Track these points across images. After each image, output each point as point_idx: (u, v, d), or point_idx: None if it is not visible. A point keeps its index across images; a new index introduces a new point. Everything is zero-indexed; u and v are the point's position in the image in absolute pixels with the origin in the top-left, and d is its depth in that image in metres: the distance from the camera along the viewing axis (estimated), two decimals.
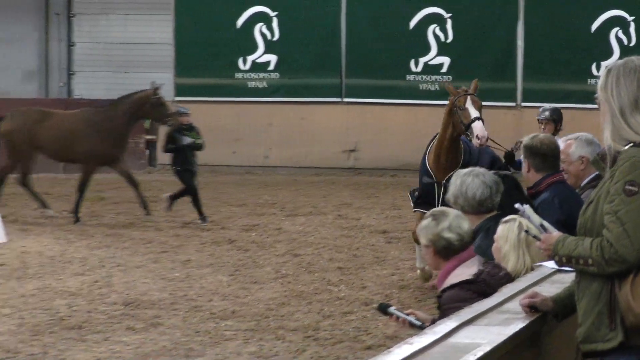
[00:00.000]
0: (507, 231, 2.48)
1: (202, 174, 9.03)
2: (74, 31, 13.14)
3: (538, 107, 9.96)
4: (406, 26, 11.16)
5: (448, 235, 2.33)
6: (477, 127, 4.98)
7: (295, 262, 6.65)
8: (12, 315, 5.08)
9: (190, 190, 7.88)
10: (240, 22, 11.83)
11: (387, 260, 6.71)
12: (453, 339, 1.45)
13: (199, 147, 8.00)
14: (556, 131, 5.19)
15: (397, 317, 2.32)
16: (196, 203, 7.86)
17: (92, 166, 8.34)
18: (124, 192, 9.90)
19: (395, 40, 11.24)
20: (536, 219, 1.95)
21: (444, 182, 4.87)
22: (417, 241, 4.97)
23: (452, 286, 2.30)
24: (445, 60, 10.99)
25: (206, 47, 11.93)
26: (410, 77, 11.15)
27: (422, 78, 11.10)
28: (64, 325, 4.87)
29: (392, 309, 2.42)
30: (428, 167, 5.20)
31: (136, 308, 5.29)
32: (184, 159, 7.89)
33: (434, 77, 11.04)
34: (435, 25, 11.04)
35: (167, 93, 11.76)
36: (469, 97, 5.18)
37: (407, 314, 2.35)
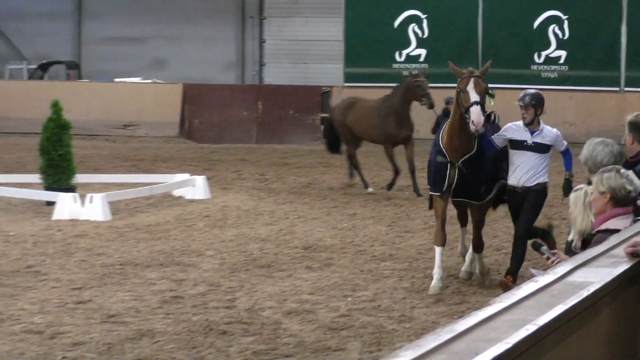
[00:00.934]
0: (576, 198, 2.84)
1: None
2: (265, 31, 16.50)
3: (638, 92, 12.87)
4: (531, 25, 14.04)
5: (629, 187, 2.56)
6: (473, 112, 4.56)
7: None
8: (215, 256, 5.76)
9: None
10: (396, 22, 14.98)
11: None
12: (570, 278, 1.62)
13: None
14: (536, 116, 4.84)
15: (547, 257, 2.71)
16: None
17: (389, 146, 8.93)
18: (305, 159, 11.73)
19: (522, 36, 14.19)
20: (637, 181, 2.39)
21: (457, 164, 4.72)
22: (461, 222, 5.22)
23: (606, 230, 2.49)
24: (563, 53, 13.89)
25: (369, 43, 15.04)
26: (534, 67, 14.17)
27: (543, 68, 14.08)
28: (256, 264, 5.52)
29: (543, 249, 2.83)
30: (442, 147, 4.89)
31: (313, 251, 5.94)
32: None
33: (553, 67, 14.00)
34: (554, 24, 13.90)
35: (337, 80, 14.86)
36: (472, 79, 4.73)
37: (553, 254, 2.76)
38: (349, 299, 4.76)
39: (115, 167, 11.01)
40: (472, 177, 4.76)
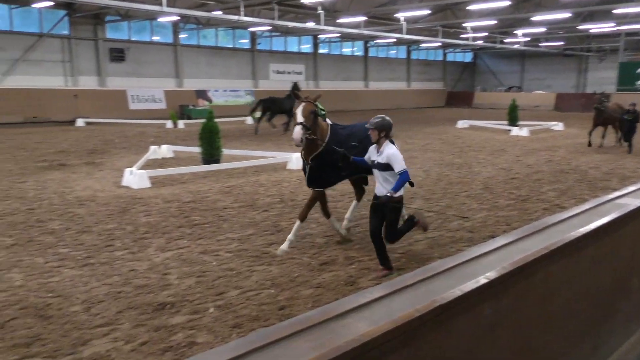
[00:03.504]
0: None
1: None
2: None
3: None
4: None
5: None
6: (295, 131, 5.59)
7: None
8: None
9: None
10: None
11: None
12: None
13: None
14: (379, 137, 5.27)
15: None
16: None
17: None
18: None
19: None
20: None
21: (309, 162, 5.98)
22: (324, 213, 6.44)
23: None
24: None
25: None
26: None
27: None
28: None
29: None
30: (300, 154, 6.18)
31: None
32: None
33: None
34: None
35: None
36: (301, 104, 5.76)
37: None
38: None
39: None
40: (321, 170, 6.00)
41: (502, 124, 23.01)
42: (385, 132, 5.30)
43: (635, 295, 3.49)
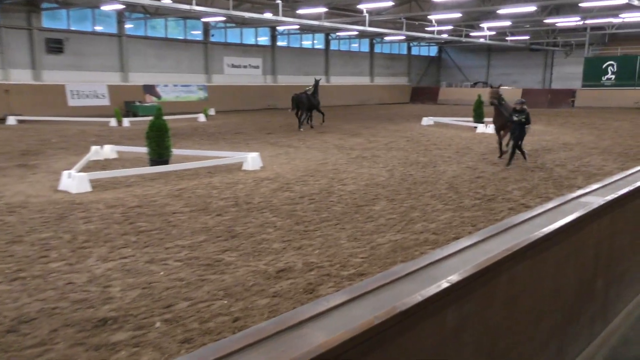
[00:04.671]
0: None
1: None
2: None
3: None
4: None
5: None
6: None
7: None
8: None
9: None
10: None
11: None
12: None
13: None
14: None
15: None
16: None
17: None
18: None
19: None
20: None
21: None
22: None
23: None
24: None
25: None
26: None
27: None
28: None
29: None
30: None
31: None
32: None
33: None
34: None
35: None
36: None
37: None
38: None
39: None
40: None
41: (468, 121, 23.58)
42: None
43: (599, 296, 3.63)
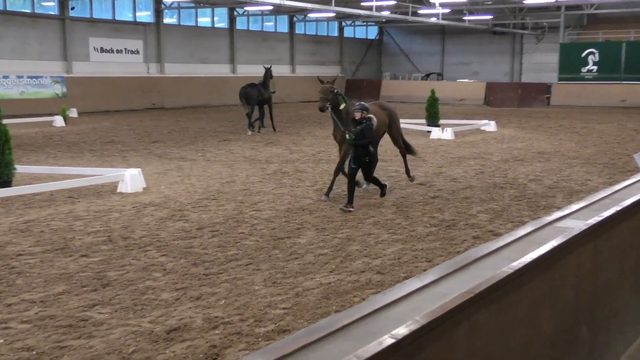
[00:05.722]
0: None
1: None
2: None
3: None
4: None
5: None
6: None
7: None
8: None
9: None
10: None
11: None
12: None
13: None
14: None
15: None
16: None
17: None
18: None
19: None
20: None
21: None
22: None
23: None
24: None
25: None
26: None
27: None
28: None
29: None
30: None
31: None
32: None
33: None
34: None
35: None
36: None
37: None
38: None
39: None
40: None
41: (419, 124, 24.32)
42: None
43: (583, 347, 3.83)
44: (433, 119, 23.75)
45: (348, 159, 11.49)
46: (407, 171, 13.66)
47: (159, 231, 9.53)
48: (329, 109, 11.71)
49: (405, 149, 13.80)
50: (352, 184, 11.15)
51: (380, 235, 9.31)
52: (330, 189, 11.89)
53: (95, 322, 6.07)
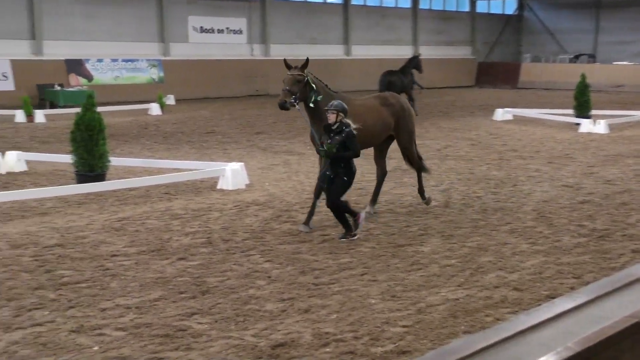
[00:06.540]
0: None
1: None
2: None
3: None
4: None
5: None
6: None
7: None
8: None
9: None
10: None
11: None
12: None
13: None
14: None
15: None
16: None
17: None
18: None
19: None
20: None
21: None
22: None
23: None
24: None
25: None
26: None
27: None
28: None
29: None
30: None
31: None
32: None
33: None
34: None
35: None
36: None
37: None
38: None
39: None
40: None
41: (566, 115, 23.56)
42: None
43: None
44: (583, 109, 23.03)
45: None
46: (421, 191, 11.56)
47: (263, 234, 9.70)
48: (297, 105, 10.06)
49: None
50: (343, 206, 9.47)
51: (517, 246, 9.10)
52: (310, 216, 10.02)
53: (194, 333, 6.24)
